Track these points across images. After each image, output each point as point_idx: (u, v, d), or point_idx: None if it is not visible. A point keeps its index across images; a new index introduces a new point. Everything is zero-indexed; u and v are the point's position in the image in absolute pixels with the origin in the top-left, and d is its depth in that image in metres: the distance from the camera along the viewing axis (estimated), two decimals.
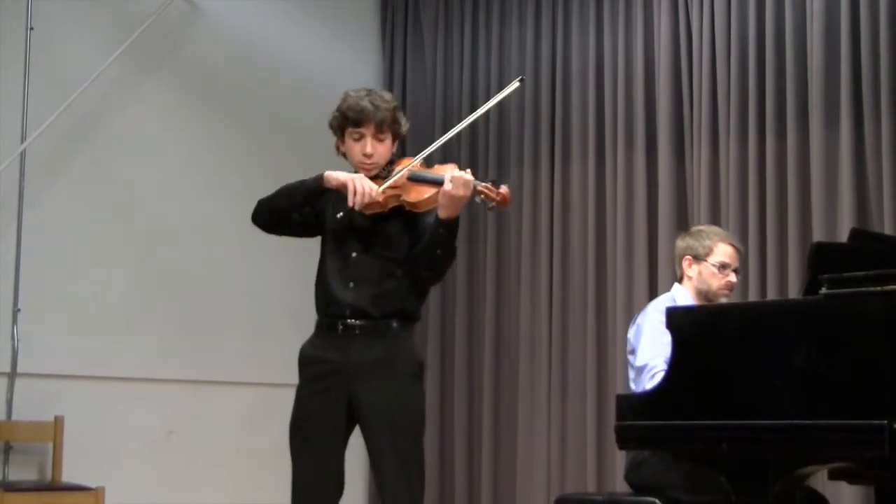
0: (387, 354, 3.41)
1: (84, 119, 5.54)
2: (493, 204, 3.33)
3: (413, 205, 3.40)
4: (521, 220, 6.26)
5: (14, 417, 5.19)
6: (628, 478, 4.23)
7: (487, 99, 6.48)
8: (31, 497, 4.90)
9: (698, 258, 4.26)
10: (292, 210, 3.53)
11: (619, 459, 5.40)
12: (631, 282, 5.74)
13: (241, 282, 5.93)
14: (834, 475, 3.43)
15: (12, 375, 5.19)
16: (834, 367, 2.77)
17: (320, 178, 3.46)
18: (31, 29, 5.37)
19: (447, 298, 6.50)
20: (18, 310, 5.24)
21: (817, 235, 5.09)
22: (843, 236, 4.70)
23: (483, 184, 3.32)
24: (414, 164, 3.48)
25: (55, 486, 5.07)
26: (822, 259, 3.10)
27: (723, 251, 4.26)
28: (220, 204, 5.90)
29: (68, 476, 5.16)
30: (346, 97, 3.54)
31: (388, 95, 3.57)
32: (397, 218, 3.46)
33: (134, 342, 5.56)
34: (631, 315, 5.62)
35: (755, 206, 5.36)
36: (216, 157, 6.00)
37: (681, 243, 4.35)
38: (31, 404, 5.20)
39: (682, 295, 4.26)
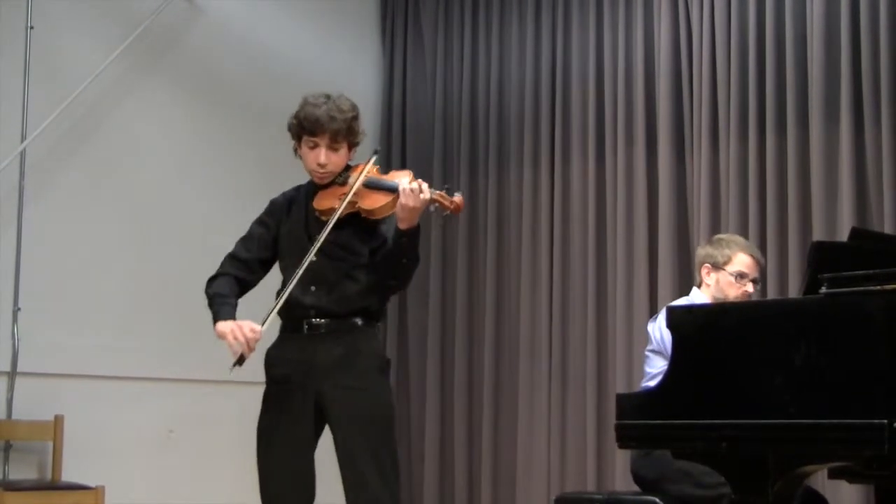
0: (351, 351, 3.44)
1: (84, 118, 5.54)
2: (447, 212, 3.37)
3: (369, 212, 3.44)
4: (521, 219, 6.26)
5: (14, 416, 5.19)
6: (635, 468, 4.23)
7: (488, 99, 6.52)
8: (31, 496, 4.90)
9: (717, 266, 4.28)
10: None
11: (620, 459, 5.41)
12: (631, 281, 5.74)
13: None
14: (834, 474, 3.44)
15: (12, 374, 5.19)
16: (834, 366, 2.77)
17: (215, 322, 3.52)
18: (31, 28, 5.37)
19: (447, 298, 6.50)
20: (19, 309, 5.24)
21: (817, 234, 5.09)
22: (843, 235, 4.69)
23: (437, 192, 3.35)
24: (369, 169, 3.48)
25: (55, 486, 5.07)
26: (822, 258, 3.10)
27: (741, 261, 4.27)
28: (219, 203, 5.90)
29: (68, 475, 5.16)
30: (304, 104, 3.55)
31: (346, 104, 3.53)
32: (354, 222, 3.48)
33: (134, 341, 5.56)
34: (631, 314, 5.64)
35: (755, 206, 5.36)
36: (216, 156, 6.00)
37: (701, 251, 4.40)
38: (32, 403, 5.21)
39: (700, 299, 4.28)
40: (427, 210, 3.35)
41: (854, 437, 2.70)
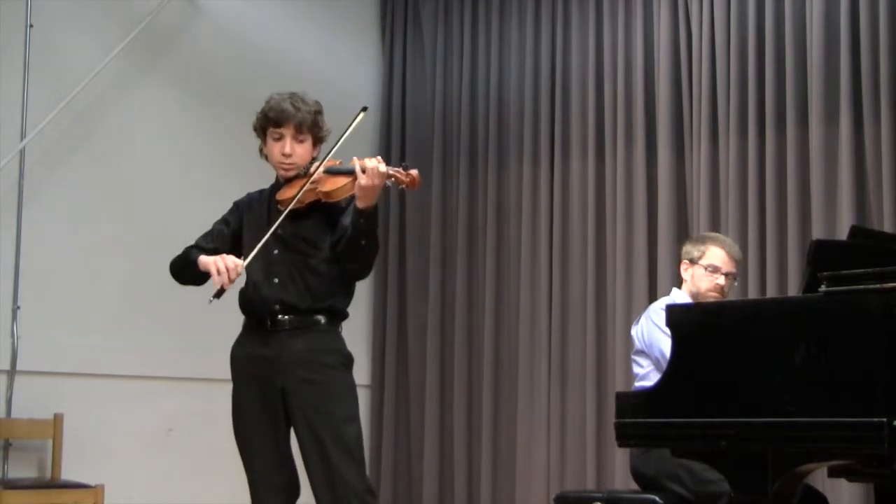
0: (313, 347, 3.48)
1: (83, 116, 5.54)
2: (403, 186, 3.44)
3: (327, 194, 3.47)
4: (520, 218, 6.26)
5: (13, 415, 5.19)
6: (635, 466, 4.23)
7: (487, 98, 6.52)
8: (30, 495, 4.89)
9: (693, 261, 4.36)
10: (194, 282, 3.68)
11: (619, 457, 5.41)
12: (630, 279, 5.74)
13: (239, 279, 5.91)
14: (833, 473, 3.44)
15: (12, 373, 5.19)
16: (833, 364, 2.77)
17: (196, 263, 3.59)
18: (31, 26, 5.36)
19: (447, 296, 6.50)
20: (18, 307, 5.24)
21: (817, 233, 5.08)
22: (842, 234, 4.69)
23: (394, 168, 3.41)
24: (329, 159, 3.55)
25: (54, 484, 5.07)
26: (822, 256, 3.10)
27: (715, 255, 4.32)
28: (218, 202, 5.85)
29: (68, 473, 5.16)
30: (269, 99, 3.63)
31: (311, 99, 3.61)
32: (316, 214, 3.54)
33: (133, 340, 5.56)
34: (630, 312, 5.63)
35: (755, 204, 5.36)
36: (215, 155, 5.99)
37: (683, 249, 4.47)
38: (31, 402, 5.20)
39: (680, 298, 4.32)
40: (385, 185, 3.40)
41: (853, 436, 2.70)
